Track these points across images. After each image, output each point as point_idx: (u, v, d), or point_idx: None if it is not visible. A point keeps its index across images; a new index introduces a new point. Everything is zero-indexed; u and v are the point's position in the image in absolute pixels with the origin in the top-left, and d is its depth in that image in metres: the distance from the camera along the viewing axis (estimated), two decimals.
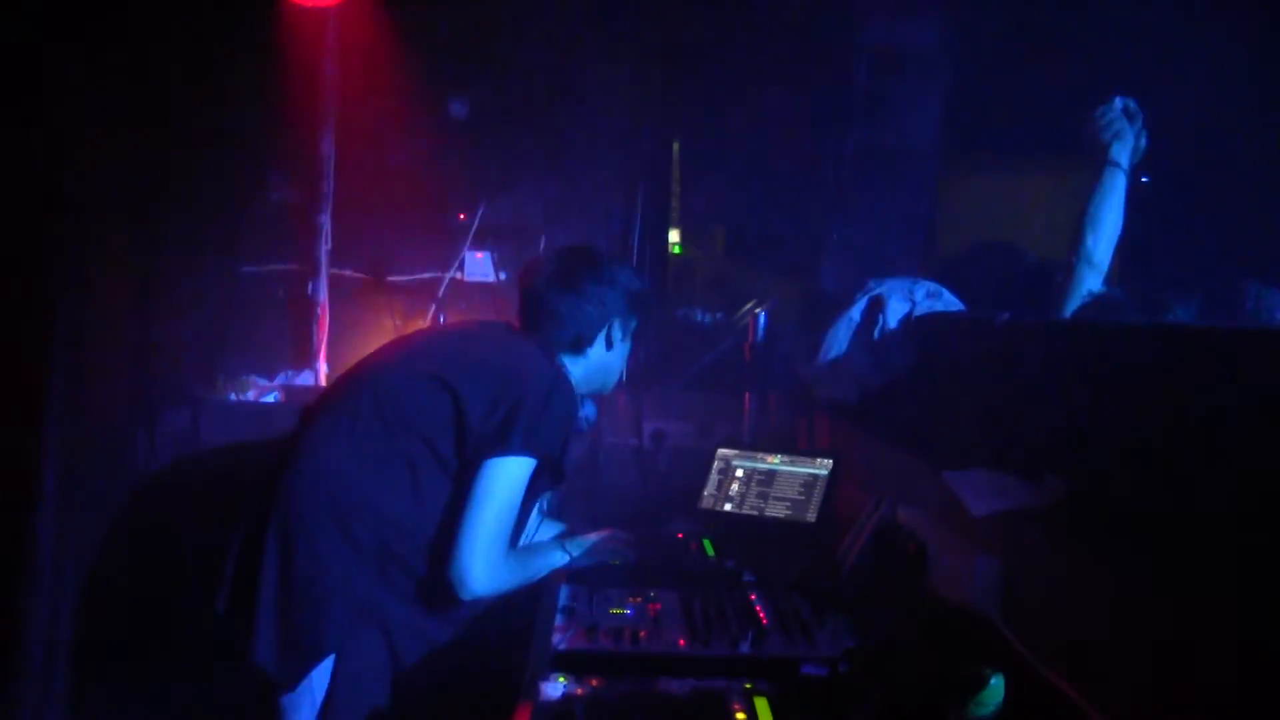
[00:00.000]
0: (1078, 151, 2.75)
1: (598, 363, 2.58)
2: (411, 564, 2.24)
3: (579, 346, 2.54)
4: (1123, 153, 2.64)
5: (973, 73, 3.78)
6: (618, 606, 2.19)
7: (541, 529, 2.62)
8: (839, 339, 3.21)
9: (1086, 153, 2.73)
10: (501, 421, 2.25)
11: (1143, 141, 2.66)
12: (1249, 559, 1.47)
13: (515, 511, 2.28)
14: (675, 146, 4.74)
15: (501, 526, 2.24)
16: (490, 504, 2.21)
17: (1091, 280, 2.70)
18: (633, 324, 2.63)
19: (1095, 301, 2.66)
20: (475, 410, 2.26)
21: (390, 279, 4.79)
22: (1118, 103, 2.66)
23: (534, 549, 2.48)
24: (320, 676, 2.19)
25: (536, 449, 2.27)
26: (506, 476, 2.24)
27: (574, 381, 2.48)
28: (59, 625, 3.29)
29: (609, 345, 2.58)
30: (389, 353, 2.51)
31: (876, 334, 3.08)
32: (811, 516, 2.89)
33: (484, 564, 2.19)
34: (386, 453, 2.26)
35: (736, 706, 1.71)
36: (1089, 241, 2.67)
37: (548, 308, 2.53)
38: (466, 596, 2.20)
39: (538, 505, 2.52)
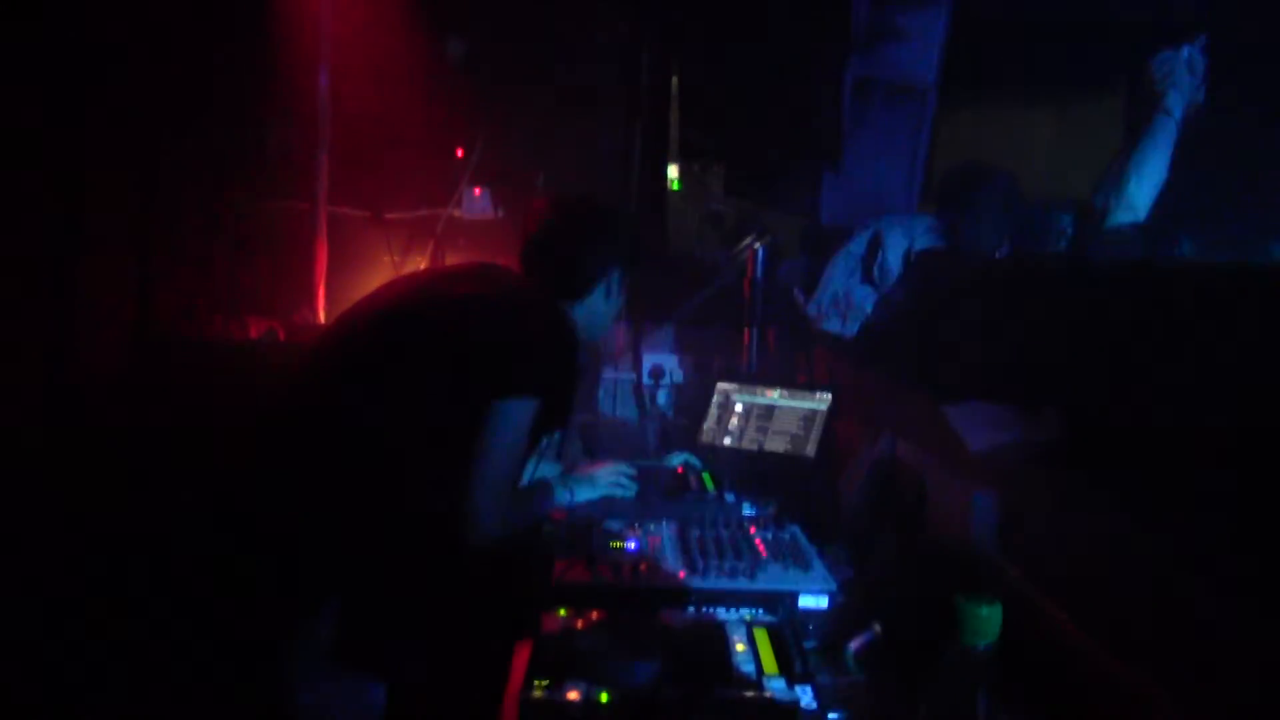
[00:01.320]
0: (1079, 85, 2.70)
1: (594, 310, 2.57)
2: (416, 506, 2.25)
3: (578, 293, 2.53)
4: (1178, 103, 2.58)
5: (976, 4, 3.73)
6: (618, 540, 2.21)
7: (541, 468, 2.63)
8: (839, 274, 3.21)
9: (1139, 97, 2.68)
10: (504, 363, 2.25)
11: (1200, 95, 2.58)
12: (1247, 492, 1.48)
13: (521, 453, 2.29)
14: (674, 81, 4.70)
15: (508, 469, 2.25)
16: (496, 447, 2.21)
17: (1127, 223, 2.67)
18: (626, 274, 2.63)
19: (1107, 236, 2.65)
20: (477, 352, 2.26)
21: (388, 216, 4.77)
22: (1184, 52, 2.58)
23: (536, 487, 2.49)
24: (327, 616, 2.21)
25: (540, 390, 2.27)
26: (511, 418, 2.24)
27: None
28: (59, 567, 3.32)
29: (606, 294, 2.58)
30: (388, 294, 2.49)
31: (876, 269, 3.08)
32: (811, 450, 2.90)
33: (492, 506, 2.20)
34: (389, 397, 2.26)
35: (736, 638, 1.73)
36: (1131, 187, 2.63)
37: (549, 253, 2.53)
38: (475, 539, 2.21)
39: (540, 446, 2.53)
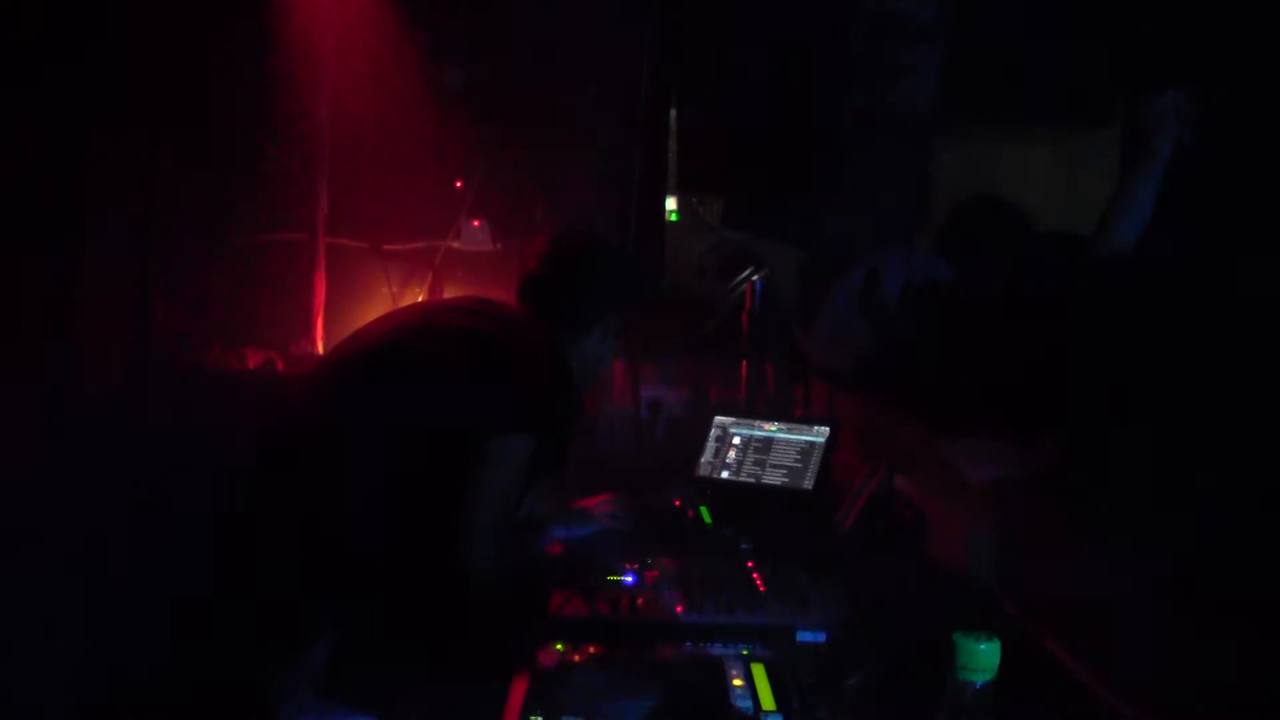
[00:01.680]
0: (1076, 120, 2.70)
1: (591, 352, 2.58)
2: (411, 542, 2.24)
3: (574, 333, 2.53)
4: (1165, 145, 2.59)
5: (973, 39, 3.76)
6: (615, 574, 2.20)
7: (538, 503, 2.62)
8: (837, 307, 3.21)
9: (1131, 136, 2.69)
10: (501, 400, 2.24)
11: (1188, 138, 2.59)
12: (1244, 521, 1.47)
13: (518, 490, 2.28)
14: (673, 114, 4.72)
15: (504, 505, 2.24)
16: (492, 483, 2.20)
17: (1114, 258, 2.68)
18: (624, 318, 2.64)
19: (1100, 270, 2.66)
20: (473, 388, 2.25)
21: (387, 248, 4.77)
22: (1169, 96, 2.59)
23: (533, 523, 2.48)
24: (320, 649, 2.19)
25: (537, 427, 2.26)
26: (508, 455, 2.23)
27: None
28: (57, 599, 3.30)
29: (603, 336, 2.58)
30: (383, 328, 2.48)
31: (874, 303, 3.08)
32: (808, 483, 2.89)
33: (488, 542, 2.19)
34: (385, 432, 2.25)
35: (734, 673, 1.71)
36: (1116, 228, 2.64)
37: (547, 291, 2.53)
38: (471, 574, 2.20)
39: (537, 483, 2.52)
